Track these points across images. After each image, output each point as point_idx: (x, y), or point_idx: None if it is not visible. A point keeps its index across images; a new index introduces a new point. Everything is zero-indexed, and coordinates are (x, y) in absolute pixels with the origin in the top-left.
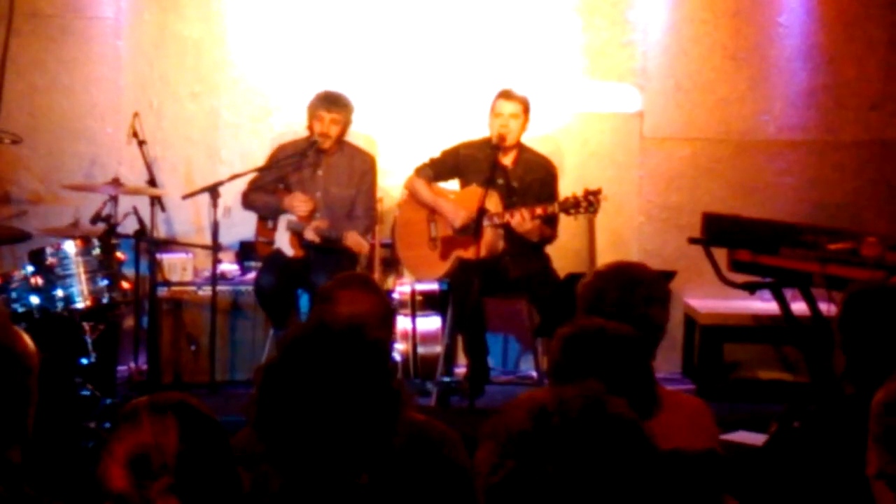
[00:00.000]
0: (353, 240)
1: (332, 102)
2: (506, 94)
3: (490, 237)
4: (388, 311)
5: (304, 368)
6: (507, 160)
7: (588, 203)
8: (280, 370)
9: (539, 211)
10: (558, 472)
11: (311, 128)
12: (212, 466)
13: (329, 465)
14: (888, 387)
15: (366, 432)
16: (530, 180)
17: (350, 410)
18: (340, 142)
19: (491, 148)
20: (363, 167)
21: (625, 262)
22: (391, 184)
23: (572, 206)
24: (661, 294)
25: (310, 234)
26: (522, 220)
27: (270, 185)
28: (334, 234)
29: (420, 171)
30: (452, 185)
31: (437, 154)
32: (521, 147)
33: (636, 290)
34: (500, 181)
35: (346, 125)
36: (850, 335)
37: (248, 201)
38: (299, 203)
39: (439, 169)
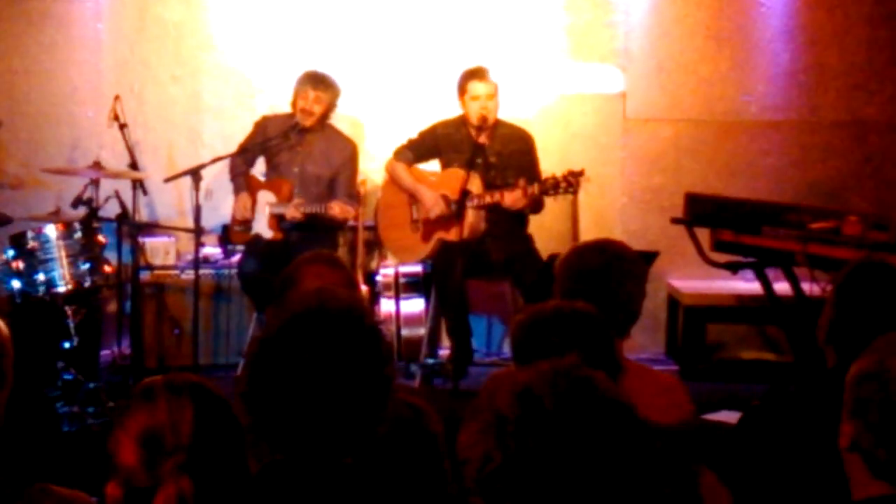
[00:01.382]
0: (339, 207)
1: (318, 81)
2: (479, 75)
3: (472, 219)
4: (352, 285)
5: (301, 345)
6: (484, 137)
7: (567, 184)
8: (276, 344)
9: (531, 190)
10: (553, 454)
11: (294, 104)
12: (224, 448)
13: (315, 444)
14: (863, 359)
15: (355, 415)
16: (508, 153)
17: (342, 392)
18: (323, 123)
19: (468, 128)
20: (344, 153)
21: (601, 239)
22: (375, 167)
23: (551, 187)
24: (637, 271)
25: (292, 212)
26: (515, 200)
27: (251, 155)
28: (317, 207)
29: (399, 154)
30: (433, 165)
31: (414, 135)
32: (496, 122)
33: (612, 267)
34: (479, 160)
35: (330, 106)
36: (846, 303)
37: (232, 165)
38: (239, 207)
39: (418, 150)
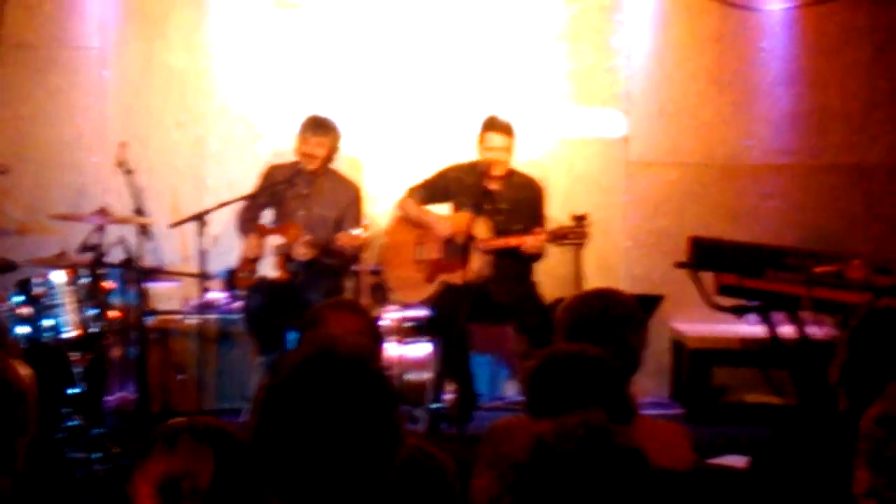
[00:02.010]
0: (346, 237)
1: (318, 126)
2: (495, 127)
3: (477, 263)
4: (375, 331)
5: (308, 392)
6: (496, 184)
7: (575, 235)
8: (283, 391)
9: (543, 236)
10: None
11: (297, 150)
12: (242, 497)
13: (325, 492)
14: (878, 405)
15: (364, 462)
16: (518, 199)
17: (351, 439)
18: (326, 167)
19: (479, 174)
20: (349, 195)
21: (601, 288)
22: (378, 210)
23: (560, 236)
24: (637, 320)
25: (300, 251)
26: (534, 243)
27: (260, 201)
28: (324, 241)
29: (413, 192)
30: (443, 209)
31: (428, 176)
32: (509, 171)
33: (611, 316)
34: (488, 206)
35: (332, 149)
36: (861, 346)
37: (238, 216)
38: (248, 247)
39: (431, 190)
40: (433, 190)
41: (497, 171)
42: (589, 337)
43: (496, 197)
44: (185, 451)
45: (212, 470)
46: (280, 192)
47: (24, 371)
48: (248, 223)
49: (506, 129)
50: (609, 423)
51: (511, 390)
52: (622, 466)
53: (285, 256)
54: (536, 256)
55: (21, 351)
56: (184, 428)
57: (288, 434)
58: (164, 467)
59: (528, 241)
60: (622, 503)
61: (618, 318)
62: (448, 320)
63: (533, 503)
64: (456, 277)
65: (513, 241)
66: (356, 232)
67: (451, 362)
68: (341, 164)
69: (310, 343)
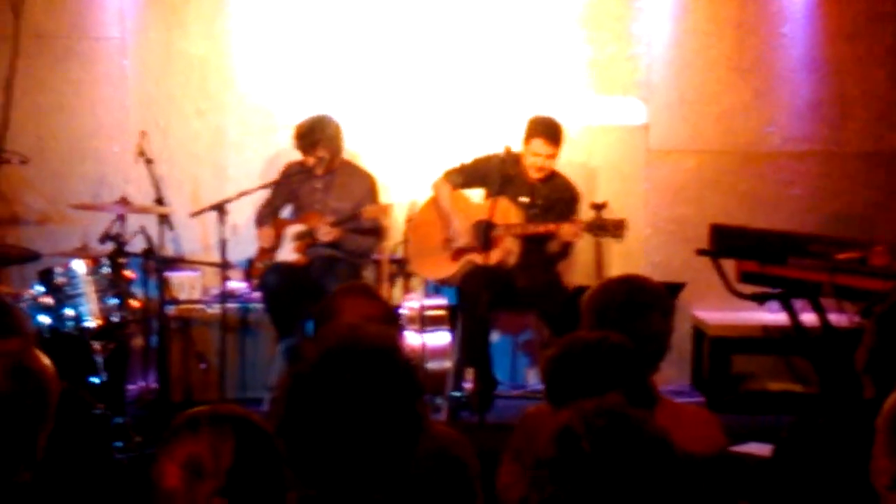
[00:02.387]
0: (372, 209)
1: (307, 147)
2: (546, 134)
3: (507, 246)
4: (390, 316)
5: (333, 381)
6: (537, 179)
7: (614, 226)
8: (309, 379)
9: (581, 224)
10: (593, 495)
11: (304, 159)
12: (262, 480)
13: (346, 480)
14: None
15: (386, 451)
16: (555, 199)
17: (374, 428)
18: (338, 161)
19: (520, 168)
20: (363, 185)
21: (629, 274)
22: (395, 201)
23: (598, 227)
24: (664, 305)
25: (323, 233)
26: (570, 231)
27: (278, 201)
28: (349, 213)
29: (449, 176)
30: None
31: (468, 161)
32: (553, 172)
33: (639, 301)
34: (526, 199)
35: (335, 149)
36: (888, 333)
37: (258, 209)
38: (264, 237)
39: (467, 176)
40: (471, 175)
41: (538, 175)
42: (616, 324)
43: (535, 191)
44: (207, 434)
45: (232, 451)
46: (297, 186)
47: (48, 364)
48: (266, 217)
49: (553, 137)
50: (630, 408)
51: (532, 378)
52: (649, 454)
53: (305, 242)
54: (563, 252)
55: (39, 340)
56: (206, 413)
57: (312, 421)
58: (188, 449)
59: (566, 228)
60: (651, 491)
61: (644, 304)
62: (472, 302)
63: (561, 498)
64: (481, 258)
65: (551, 227)
66: (383, 203)
67: (471, 347)
68: (363, 155)
69: (326, 332)
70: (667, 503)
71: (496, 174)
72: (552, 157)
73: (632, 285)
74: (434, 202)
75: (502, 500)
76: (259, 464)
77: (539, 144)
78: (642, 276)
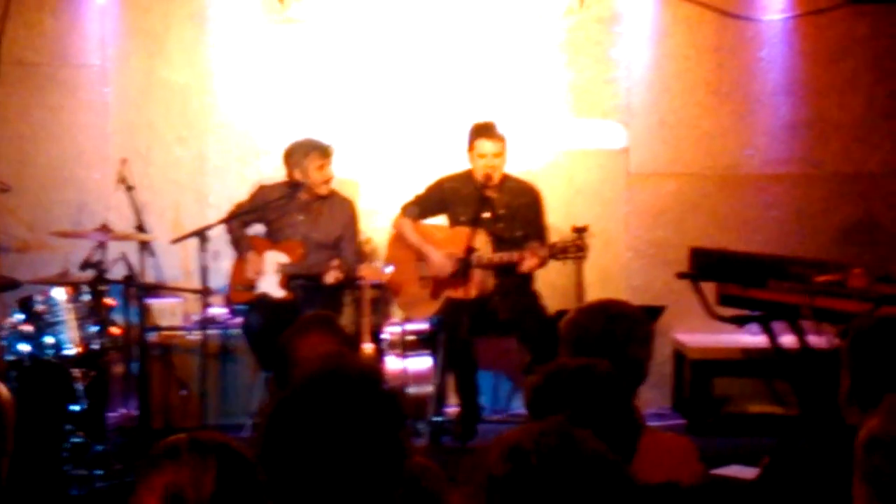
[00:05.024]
0: (370, 270)
1: (326, 150)
2: (486, 133)
3: (480, 277)
4: (349, 346)
5: (316, 409)
6: (492, 191)
7: (576, 248)
8: (292, 407)
9: (542, 252)
10: None
11: (291, 175)
12: None
13: None
14: (871, 422)
15: (369, 480)
16: (516, 206)
17: (357, 456)
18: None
19: (474, 184)
20: (345, 212)
21: (607, 299)
22: (377, 225)
23: (560, 251)
24: (642, 333)
25: (330, 278)
26: (530, 265)
27: (249, 220)
28: (350, 268)
29: (406, 210)
30: (439, 221)
31: (421, 191)
32: (504, 177)
33: (617, 328)
34: (487, 215)
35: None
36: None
37: (229, 227)
38: (251, 266)
39: (425, 205)
40: (428, 204)
41: (495, 179)
42: (594, 351)
43: (494, 203)
44: (188, 463)
45: (214, 480)
46: (274, 210)
47: (4, 391)
48: (243, 238)
49: (497, 136)
50: (574, 428)
51: (515, 403)
52: (596, 472)
53: (288, 276)
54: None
55: (2, 369)
56: (186, 441)
57: (294, 449)
58: (168, 478)
59: (526, 264)
60: None
61: (622, 333)
62: (453, 334)
63: None
64: (460, 293)
65: (515, 257)
66: (384, 269)
67: (456, 377)
68: (340, 180)
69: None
70: None
71: (452, 196)
72: (499, 155)
73: (608, 314)
74: (399, 239)
75: None
76: (241, 493)
77: (483, 144)
78: (619, 301)
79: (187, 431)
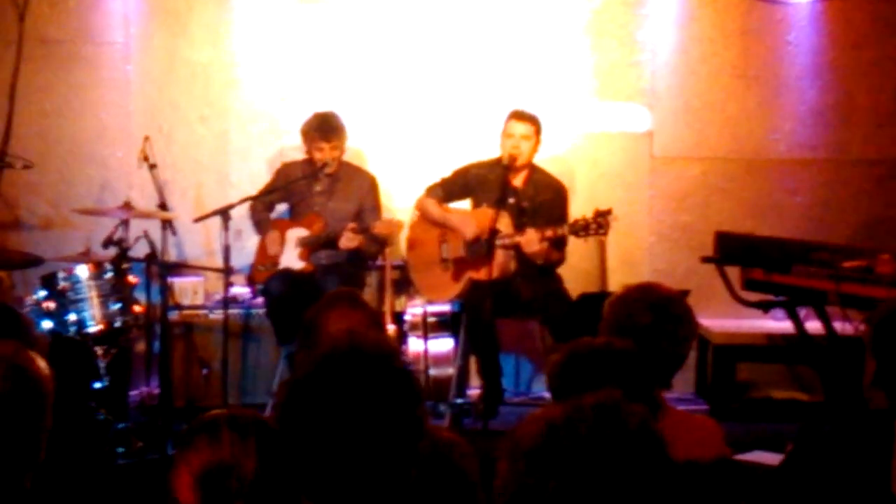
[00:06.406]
0: (382, 225)
1: (328, 132)
2: (517, 115)
3: (502, 258)
4: (376, 324)
5: (332, 388)
6: (518, 180)
7: (598, 225)
8: (306, 387)
9: (549, 233)
10: (572, 487)
11: (310, 153)
12: (284, 493)
13: (347, 488)
14: None
15: (386, 458)
16: (540, 201)
17: (373, 435)
18: (340, 162)
19: (502, 168)
20: (364, 185)
21: (652, 282)
22: (399, 206)
23: (582, 228)
24: (690, 319)
25: (348, 237)
26: (529, 241)
27: (274, 200)
28: (365, 228)
29: (431, 191)
30: (463, 205)
31: (447, 174)
32: (532, 167)
33: (667, 312)
34: (511, 201)
35: (344, 147)
36: (885, 348)
37: (252, 209)
38: (271, 242)
39: (450, 188)
40: (453, 188)
41: (519, 161)
42: (642, 332)
43: (519, 194)
44: (228, 442)
45: (255, 462)
46: (297, 188)
47: (43, 365)
48: (265, 220)
49: (528, 118)
50: (623, 402)
51: (537, 386)
52: (635, 448)
53: (309, 248)
54: (553, 263)
55: (46, 346)
56: (226, 419)
57: (311, 428)
58: (207, 457)
59: (523, 239)
60: (636, 488)
61: (670, 322)
62: (475, 316)
63: (545, 491)
64: (482, 274)
65: (517, 239)
66: (390, 217)
67: (478, 358)
68: (367, 161)
69: (328, 340)
70: (653, 497)
71: (477, 182)
72: (527, 138)
73: (661, 296)
74: (421, 221)
75: (495, 494)
76: (280, 473)
77: (512, 125)
78: (664, 288)
79: (213, 409)
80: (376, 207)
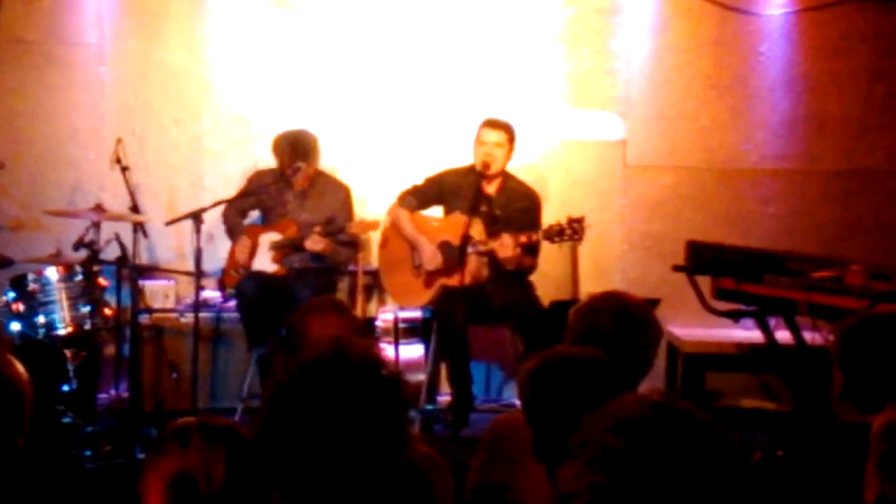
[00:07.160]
0: (358, 225)
1: (303, 152)
2: (490, 123)
3: (474, 265)
4: (360, 332)
5: (317, 393)
6: (491, 188)
7: (573, 231)
8: (291, 391)
9: (523, 238)
10: (658, 482)
11: (282, 165)
12: (253, 497)
13: (328, 493)
14: (888, 412)
15: (369, 467)
16: (513, 209)
17: (358, 441)
18: (313, 172)
19: (475, 175)
20: (338, 196)
21: (616, 291)
22: (371, 212)
23: (556, 234)
24: (654, 326)
25: (315, 244)
26: (504, 245)
27: (247, 206)
28: (337, 229)
29: (403, 200)
30: (436, 211)
31: (420, 181)
32: (505, 175)
33: (631, 319)
34: (484, 209)
35: (316, 163)
36: (852, 361)
37: (225, 215)
38: (241, 248)
39: (423, 197)
40: (425, 195)
41: (493, 169)
42: (606, 341)
43: (492, 201)
44: (198, 449)
45: (224, 468)
46: (270, 196)
47: (22, 370)
48: (237, 226)
49: (501, 126)
50: (679, 399)
51: (506, 392)
52: (703, 440)
53: (282, 252)
54: (525, 270)
55: (14, 348)
56: (196, 426)
57: (294, 434)
58: (176, 464)
59: (496, 245)
60: (707, 476)
61: (634, 329)
62: (447, 322)
63: (633, 486)
64: (454, 280)
65: (491, 245)
66: (368, 219)
67: (449, 364)
68: (343, 166)
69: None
70: (725, 488)
71: (451, 189)
72: (500, 145)
73: (625, 304)
74: (393, 228)
75: (565, 493)
76: (250, 480)
77: (485, 133)
78: (628, 296)
79: (180, 414)
80: (348, 218)
